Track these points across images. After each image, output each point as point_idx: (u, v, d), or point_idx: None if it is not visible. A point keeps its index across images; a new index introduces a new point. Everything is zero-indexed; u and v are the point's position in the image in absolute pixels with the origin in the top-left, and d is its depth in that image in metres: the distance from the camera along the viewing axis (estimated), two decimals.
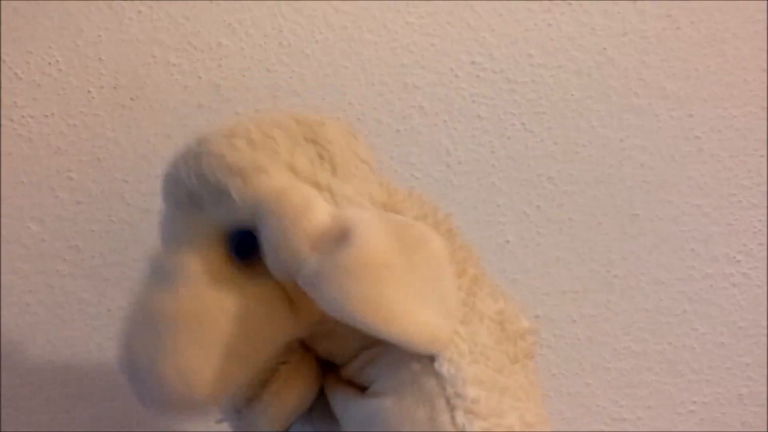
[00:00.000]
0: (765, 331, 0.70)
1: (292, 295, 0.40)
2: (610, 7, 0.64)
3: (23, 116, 0.61)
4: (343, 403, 0.42)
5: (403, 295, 0.37)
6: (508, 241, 0.67)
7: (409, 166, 0.65)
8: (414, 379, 0.38)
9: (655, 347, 0.69)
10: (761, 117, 0.67)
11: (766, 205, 0.68)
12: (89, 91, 0.61)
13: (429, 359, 0.38)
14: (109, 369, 0.64)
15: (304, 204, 0.38)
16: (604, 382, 0.69)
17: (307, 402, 0.43)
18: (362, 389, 0.41)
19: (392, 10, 0.63)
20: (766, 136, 0.67)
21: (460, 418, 0.37)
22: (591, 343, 0.68)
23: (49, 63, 0.60)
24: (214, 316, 0.39)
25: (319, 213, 0.38)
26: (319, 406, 0.44)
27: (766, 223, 0.69)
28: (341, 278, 0.36)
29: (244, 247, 0.40)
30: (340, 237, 0.37)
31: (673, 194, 0.67)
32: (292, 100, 0.63)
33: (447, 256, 0.39)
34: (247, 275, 0.40)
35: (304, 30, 0.62)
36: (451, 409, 0.37)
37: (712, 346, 0.70)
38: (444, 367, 0.38)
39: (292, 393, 0.43)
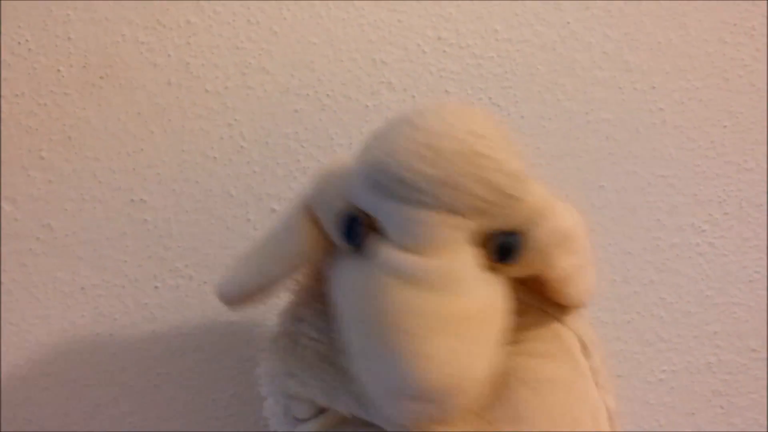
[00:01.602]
0: (732, 300, 0.72)
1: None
2: None
3: None
4: None
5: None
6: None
7: None
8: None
9: (623, 317, 0.71)
10: (723, 88, 0.68)
11: (729, 175, 0.70)
12: (59, 70, 0.61)
13: None
14: (83, 346, 0.65)
15: (561, 206, 0.44)
16: None
17: None
18: None
19: None
20: (727, 107, 0.69)
21: None
22: None
23: (19, 43, 0.61)
24: (494, 316, 0.41)
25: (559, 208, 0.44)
26: None
27: (729, 193, 0.70)
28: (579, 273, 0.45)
29: (507, 254, 0.42)
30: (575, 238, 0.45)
31: (638, 166, 0.69)
32: (261, 77, 0.63)
33: None
34: (496, 273, 0.42)
35: (272, 7, 0.63)
36: None
37: (679, 315, 0.71)
38: None
39: None
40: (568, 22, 0.66)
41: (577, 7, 0.66)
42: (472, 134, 0.40)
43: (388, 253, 0.40)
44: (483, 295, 0.40)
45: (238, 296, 0.47)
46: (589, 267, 0.46)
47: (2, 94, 0.61)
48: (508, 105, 0.67)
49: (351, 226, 0.43)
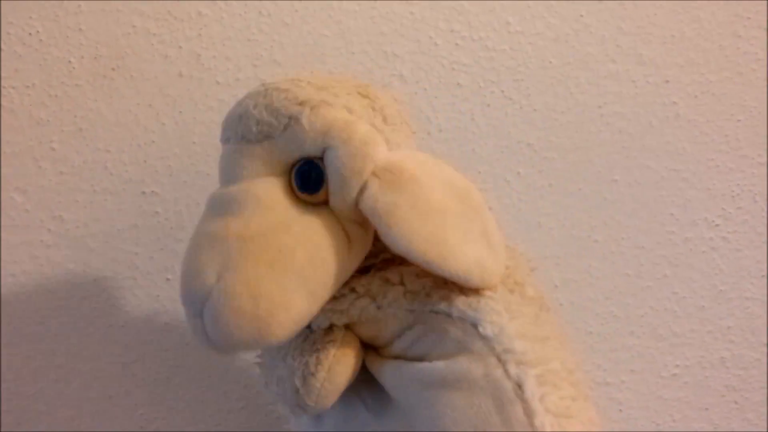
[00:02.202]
0: (746, 294, 0.71)
1: (348, 230, 0.43)
2: None
3: (5, 87, 0.61)
4: (395, 369, 0.44)
5: (459, 236, 0.41)
6: (489, 208, 0.67)
7: None
8: (462, 346, 0.41)
9: (636, 311, 0.70)
10: (737, 82, 0.68)
11: (743, 169, 0.69)
12: (70, 62, 0.61)
13: (472, 326, 0.41)
14: (95, 338, 0.64)
15: (369, 134, 0.42)
16: (587, 346, 0.70)
17: (353, 377, 0.45)
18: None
19: None
20: (741, 101, 0.68)
21: (513, 369, 0.40)
22: (573, 308, 0.69)
23: (30, 34, 0.61)
24: (284, 240, 0.41)
25: (382, 146, 0.42)
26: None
27: (743, 187, 0.69)
28: (407, 215, 0.40)
29: (307, 181, 0.42)
30: (400, 175, 0.41)
31: (652, 159, 0.68)
32: (273, 69, 0.63)
33: (485, 205, 0.44)
34: (310, 207, 0.42)
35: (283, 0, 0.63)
36: (503, 363, 0.40)
37: (693, 309, 0.71)
38: (488, 330, 0.41)
39: (343, 369, 0.44)
40: (581, 15, 0.66)
41: (591, 1, 0.65)
42: (285, 80, 0.45)
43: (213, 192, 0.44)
44: (270, 218, 0.41)
45: None
46: (433, 217, 0.41)
47: (14, 85, 0.61)
48: (521, 98, 0.66)
49: None
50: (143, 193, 0.63)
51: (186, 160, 0.63)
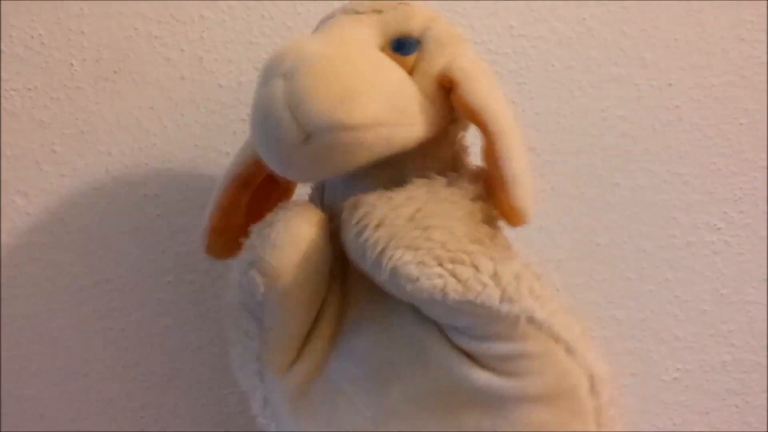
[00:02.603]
0: (747, 298, 0.71)
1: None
2: None
3: (6, 90, 0.61)
4: None
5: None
6: None
7: None
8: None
9: (638, 315, 0.70)
10: (739, 86, 0.68)
11: (745, 173, 0.69)
12: (72, 65, 0.61)
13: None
14: (96, 341, 0.65)
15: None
16: None
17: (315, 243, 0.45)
18: None
19: None
20: (743, 105, 0.68)
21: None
22: (575, 312, 0.69)
23: (32, 36, 0.61)
24: (377, 58, 0.44)
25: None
26: None
27: (745, 191, 0.69)
28: (488, 79, 0.45)
29: (403, 44, 0.45)
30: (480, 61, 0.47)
31: (654, 163, 0.68)
32: None
33: None
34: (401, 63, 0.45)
35: (285, 2, 0.63)
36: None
37: (694, 313, 0.71)
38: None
39: (303, 223, 0.44)
40: (584, 19, 0.65)
41: (594, 4, 0.65)
42: None
43: None
44: (365, 47, 0.44)
45: (205, 226, 0.51)
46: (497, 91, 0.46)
47: (15, 87, 0.61)
48: (524, 101, 0.66)
49: None
50: (145, 195, 0.63)
51: (188, 163, 0.63)
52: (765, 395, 0.72)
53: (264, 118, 0.41)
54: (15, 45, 0.60)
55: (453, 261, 0.40)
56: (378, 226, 0.41)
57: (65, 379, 0.65)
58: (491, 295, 0.40)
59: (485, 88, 0.44)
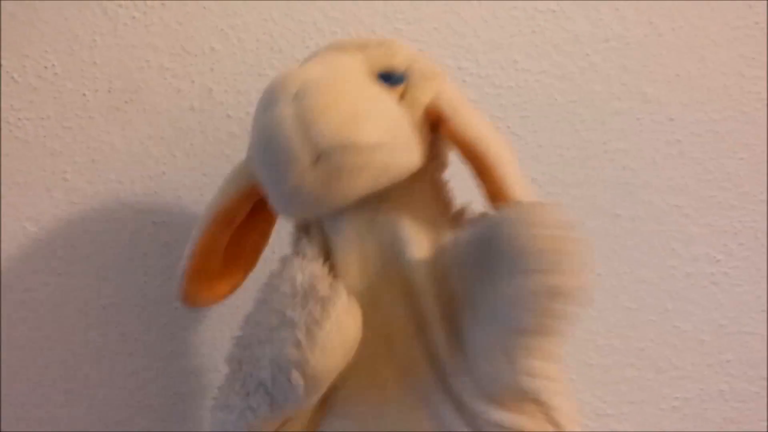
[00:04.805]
0: (745, 329, 0.72)
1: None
2: (592, 14, 0.66)
3: (20, 119, 0.62)
4: None
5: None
6: None
7: None
8: None
9: (637, 344, 0.71)
10: (739, 120, 0.69)
11: (744, 206, 0.70)
12: (84, 95, 0.63)
13: None
14: (103, 365, 0.65)
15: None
16: (588, 378, 0.71)
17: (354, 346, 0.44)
18: None
19: (380, 16, 0.64)
20: (744, 140, 0.69)
21: None
22: (575, 340, 0.70)
23: (45, 67, 0.62)
24: (368, 89, 0.44)
25: None
26: None
27: (745, 224, 0.70)
28: (471, 110, 0.47)
29: (390, 77, 0.46)
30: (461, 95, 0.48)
31: (654, 195, 0.69)
32: None
33: None
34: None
35: (294, 35, 0.64)
36: None
37: (693, 343, 0.72)
38: None
39: (352, 322, 0.43)
40: (587, 54, 0.67)
41: (596, 39, 0.66)
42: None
43: None
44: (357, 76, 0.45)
45: (184, 269, 0.50)
46: (507, 149, 0.48)
47: (29, 116, 0.62)
48: (527, 134, 0.67)
49: None
50: (153, 222, 0.64)
51: (196, 191, 0.64)
52: (763, 424, 0.73)
53: (272, 141, 0.41)
54: (28, 75, 0.62)
55: None
56: None
57: (71, 402, 0.65)
58: None
59: (476, 119, 0.46)
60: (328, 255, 0.47)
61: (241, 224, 0.51)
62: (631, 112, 0.68)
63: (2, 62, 0.61)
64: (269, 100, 0.43)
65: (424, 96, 0.46)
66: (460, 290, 0.44)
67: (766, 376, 0.73)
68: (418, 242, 0.45)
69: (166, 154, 0.64)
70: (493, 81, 0.66)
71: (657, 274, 0.70)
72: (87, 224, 0.64)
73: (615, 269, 0.70)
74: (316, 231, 0.48)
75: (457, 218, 0.48)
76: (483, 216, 0.46)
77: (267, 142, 0.42)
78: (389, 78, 0.46)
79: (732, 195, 0.70)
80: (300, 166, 0.41)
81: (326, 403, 0.45)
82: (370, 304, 0.44)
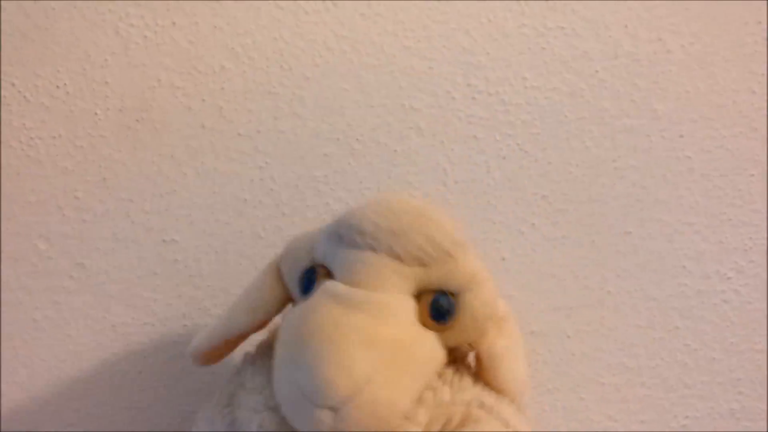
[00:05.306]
0: (756, 347, 0.71)
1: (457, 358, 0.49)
2: (602, 32, 0.66)
3: (32, 137, 0.62)
4: None
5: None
6: (504, 258, 0.68)
7: (407, 185, 0.66)
8: None
9: (648, 362, 0.71)
10: (750, 137, 0.69)
11: (755, 223, 0.70)
12: (96, 114, 0.63)
13: None
14: (112, 383, 0.65)
15: (493, 286, 0.48)
16: (598, 396, 0.71)
17: None
18: None
19: (390, 35, 0.64)
20: (754, 156, 0.69)
21: None
22: (585, 359, 0.70)
23: (57, 86, 0.62)
24: (420, 357, 0.44)
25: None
26: None
27: (756, 241, 0.70)
28: (512, 357, 0.50)
29: (442, 313, 0.46)
30: (507, 323, 0.51)
31: (665, 213, 0.69)
32: (293, 121, 0.64)
33: None
34: (437, 334, 0.46)
35: (304, 54, 0.64)
36: None
37: (704, 361, 0.71)
38: None
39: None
40: (597, 71, 0.67)
41: (606, 56, 0.66)
42: (422, 204, 0.48)
43: (329, 283, 0.44)
44: (412, 332, 0.44)
45: (206, 349, 0.52)
46: (520, 356, 0.51)
47: (40, 135, 0.62)
48: (536, 151, 0.67)
49: (309, 278, 0.47)
50: (163, 241, 0.65)
51: (206, 209, 0.64)
52: None
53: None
54: (40, 94, 0.62)
55: None
56: None
57: (82, 421, 0.65)
58: None
59: (510, 370, 0.49)
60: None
61: None
62: (641, 129, 0.68)
63: (14, 81, 0.62)
64: (305, 388, 0.41)
65: (468, 336, 0.47)
66: None
67: None
68: None
69: (177, 173, 0.64)
70: (502, 98, 0.66)
71: (667, 291, 0.70)
72: (97, 242, 0.64)
73: (625, 287, 0.69)
74: (262, 363, 0.50)
75: None
76: None
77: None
78: (441, 316, 0.46)
79: (743, 212, 0.70)
80: None
81: None
82: None
